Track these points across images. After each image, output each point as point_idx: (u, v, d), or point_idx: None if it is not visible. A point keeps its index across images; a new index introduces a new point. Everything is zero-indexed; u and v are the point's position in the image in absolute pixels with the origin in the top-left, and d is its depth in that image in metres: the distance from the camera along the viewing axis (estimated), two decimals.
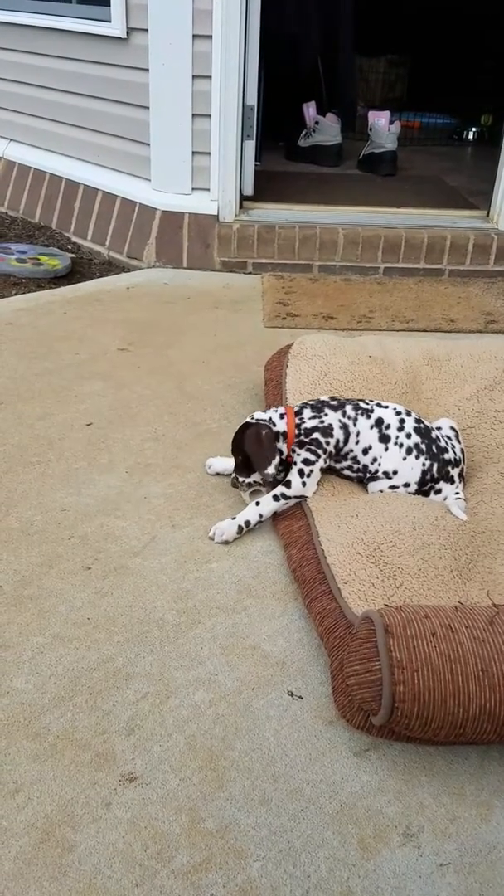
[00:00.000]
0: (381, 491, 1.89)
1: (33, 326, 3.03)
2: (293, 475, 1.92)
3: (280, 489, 1.91)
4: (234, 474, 2.00)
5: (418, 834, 1.24)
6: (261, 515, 1.89)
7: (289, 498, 1.91)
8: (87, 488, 2.06)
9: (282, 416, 1.96)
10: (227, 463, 2.09)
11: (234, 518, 1.89)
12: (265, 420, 1.96)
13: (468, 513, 1.79)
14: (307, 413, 1.96)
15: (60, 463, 2.16)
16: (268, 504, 1.90)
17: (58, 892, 1.14)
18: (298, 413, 1.96)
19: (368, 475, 1.93)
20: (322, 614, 1.54)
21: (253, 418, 1.99)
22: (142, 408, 2.46)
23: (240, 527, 1.88)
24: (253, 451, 1.91)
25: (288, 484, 1.91)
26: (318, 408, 1.96)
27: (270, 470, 1.89)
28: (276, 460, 1.91)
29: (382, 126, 4.67)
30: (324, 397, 2.02)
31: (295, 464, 1.93)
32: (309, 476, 1.91)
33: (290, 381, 2.26)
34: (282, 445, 1.94)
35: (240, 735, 1.39)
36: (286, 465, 1.96)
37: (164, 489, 2.07)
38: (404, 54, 6.23)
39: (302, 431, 1.93)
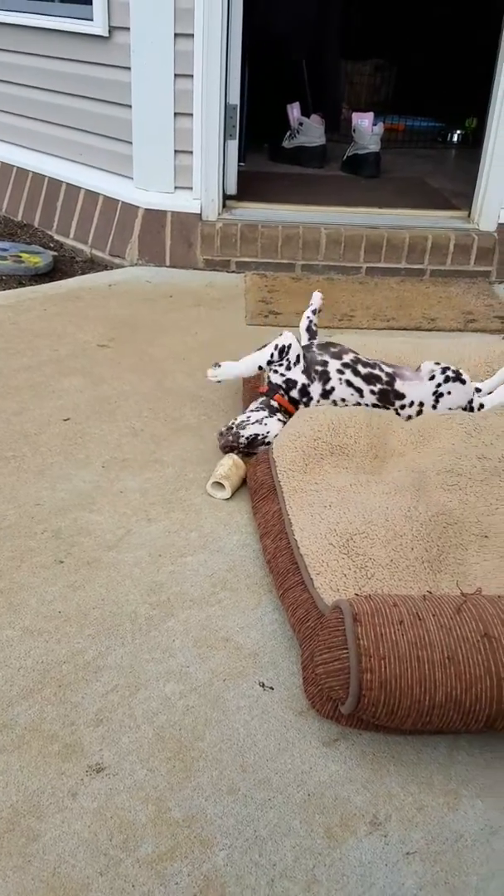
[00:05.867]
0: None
1: (12, 323, 3.01)
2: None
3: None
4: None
5: (385, 823, 1.23)
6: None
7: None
8: (62, 483, 2.05)
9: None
10: (239, 368, 2.19)
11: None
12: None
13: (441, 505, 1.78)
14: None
15: (36, 457, 2.15)
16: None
17: (21, 881, 1.13)
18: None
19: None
20: (294, 605, 1.54)
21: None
22: (120, 403, 2.46)
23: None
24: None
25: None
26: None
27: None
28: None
29: (366, 127, 4.68)
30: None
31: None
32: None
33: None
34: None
35: (209, 726, 1.38)
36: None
37: (140, 483, 2.06)
38: (391, 58, 6.25)
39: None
